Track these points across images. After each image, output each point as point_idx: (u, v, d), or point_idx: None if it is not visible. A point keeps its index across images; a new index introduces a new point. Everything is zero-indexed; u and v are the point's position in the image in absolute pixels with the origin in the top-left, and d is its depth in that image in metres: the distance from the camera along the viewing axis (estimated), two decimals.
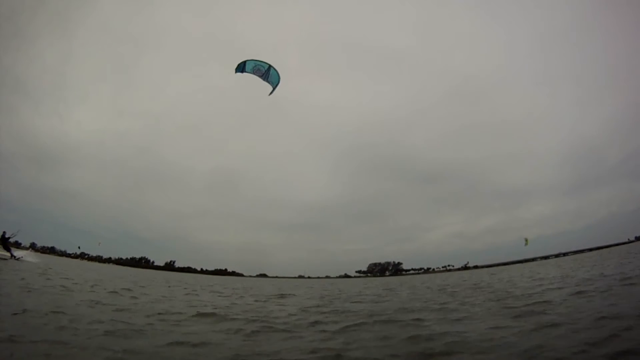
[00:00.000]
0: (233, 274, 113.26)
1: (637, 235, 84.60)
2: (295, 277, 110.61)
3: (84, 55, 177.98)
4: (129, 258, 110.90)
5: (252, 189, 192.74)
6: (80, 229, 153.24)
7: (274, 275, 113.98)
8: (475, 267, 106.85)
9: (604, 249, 68.67)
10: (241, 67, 11.84)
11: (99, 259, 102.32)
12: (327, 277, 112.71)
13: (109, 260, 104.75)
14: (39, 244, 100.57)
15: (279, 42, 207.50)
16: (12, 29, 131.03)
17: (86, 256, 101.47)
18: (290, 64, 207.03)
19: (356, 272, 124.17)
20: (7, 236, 25.16)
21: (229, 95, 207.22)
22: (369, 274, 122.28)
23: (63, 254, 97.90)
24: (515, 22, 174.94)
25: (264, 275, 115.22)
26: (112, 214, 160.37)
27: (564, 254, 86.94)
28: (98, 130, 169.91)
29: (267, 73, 11.81)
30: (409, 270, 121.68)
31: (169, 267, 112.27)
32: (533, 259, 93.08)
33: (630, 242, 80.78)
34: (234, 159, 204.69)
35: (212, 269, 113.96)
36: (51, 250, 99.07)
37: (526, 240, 51.75)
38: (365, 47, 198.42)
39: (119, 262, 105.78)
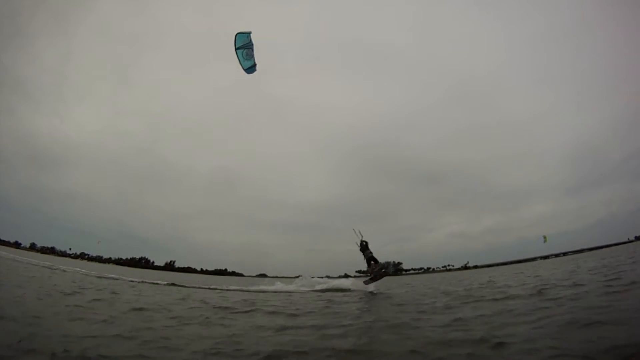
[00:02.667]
0: (233, 274, 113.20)
1: (637, 235, 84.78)
2: (294, 277, 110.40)
3: (83, 55, 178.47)
4: (128, 258, 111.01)
5: (252, 189, 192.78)
6: (80, 229, 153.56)
7: (274, 276, 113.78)
8: (475, 267, 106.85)
9: (604, 249, 68.63)
10: (250, 67, 11.86)
11: (99, 259, 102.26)
12: (327, 277, 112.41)
13: (109, 261, 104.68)
14: (39, 244, 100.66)
15: (280, 42, 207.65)
16: (11, 28, 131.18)
17: (86, 256, 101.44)
18: (292, 63, 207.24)
19: (356, 272, 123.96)
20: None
21: (229, 95, 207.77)
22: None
23: (63, 254, 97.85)
24: (516, 22, 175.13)
25: (263, 276, 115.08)
26: (112, 214, 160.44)
27: (564, 254, 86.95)
28: (98, 130, 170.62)
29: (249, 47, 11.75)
30: (408, 270, 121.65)
31: (169, 267, 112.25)
32: (533, 259, 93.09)
33: (630, 241, 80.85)
34: (234, 159, 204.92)
35: (212, 269, 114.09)
36: (51, 251, 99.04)
37: (545, 237, 53.22)
38: (366, 48, 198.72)
39: (119, 262, 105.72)
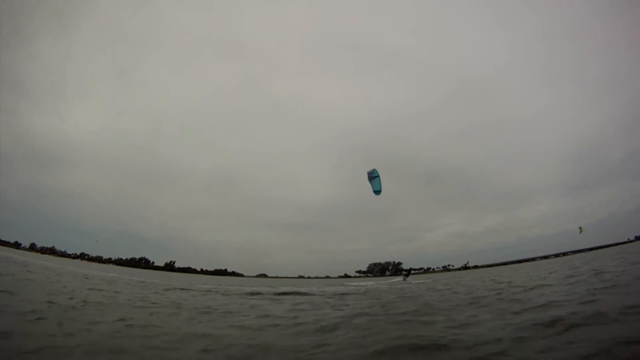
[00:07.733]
0: (233, 274, 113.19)
1: (637, 235, 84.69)
2: (295, 278, 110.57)
3: (84, 54, 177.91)
4: (128, 258, 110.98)
5: (252, 189, 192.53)
6: (80, 229, 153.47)
7: (274, 276, 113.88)
8: (475, 267, 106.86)
9: (604, 249, 68.58)
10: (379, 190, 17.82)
11: (99, 260, 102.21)
12: (327, 277, 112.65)
13: (109, 261, 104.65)
14: (39, 244, 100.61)
15: (281, 41, 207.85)
16: (11, 27, 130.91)
17: (86, 257, 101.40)
18: (292, 63, 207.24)
19: (356, 272, 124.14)
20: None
21: (229, 95, 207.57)
22: (369, 274, 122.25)
23: (63, 254, 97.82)
24: (517, 22, 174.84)
25: (264, 276, 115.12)
26: (112, 214, 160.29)
27: (564, 254, 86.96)
28: (98, 130, 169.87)
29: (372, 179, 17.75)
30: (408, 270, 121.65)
31: (169, 267, 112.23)
32: (533, 259, 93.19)
33: (630, 241, 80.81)
34: (234, 159, 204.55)
35: (212, 269, 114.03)
36: (51, 251, 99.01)
37: (580, 228, 56.19)
38: (367, 47, 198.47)
39: (119, 262, 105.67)
